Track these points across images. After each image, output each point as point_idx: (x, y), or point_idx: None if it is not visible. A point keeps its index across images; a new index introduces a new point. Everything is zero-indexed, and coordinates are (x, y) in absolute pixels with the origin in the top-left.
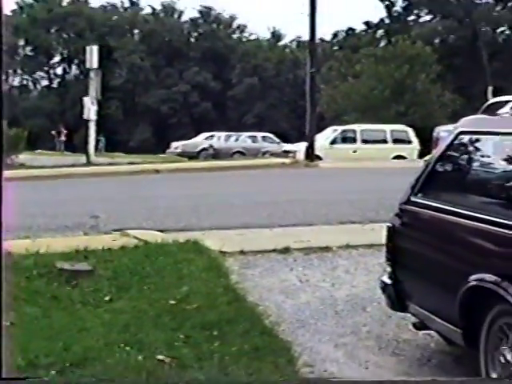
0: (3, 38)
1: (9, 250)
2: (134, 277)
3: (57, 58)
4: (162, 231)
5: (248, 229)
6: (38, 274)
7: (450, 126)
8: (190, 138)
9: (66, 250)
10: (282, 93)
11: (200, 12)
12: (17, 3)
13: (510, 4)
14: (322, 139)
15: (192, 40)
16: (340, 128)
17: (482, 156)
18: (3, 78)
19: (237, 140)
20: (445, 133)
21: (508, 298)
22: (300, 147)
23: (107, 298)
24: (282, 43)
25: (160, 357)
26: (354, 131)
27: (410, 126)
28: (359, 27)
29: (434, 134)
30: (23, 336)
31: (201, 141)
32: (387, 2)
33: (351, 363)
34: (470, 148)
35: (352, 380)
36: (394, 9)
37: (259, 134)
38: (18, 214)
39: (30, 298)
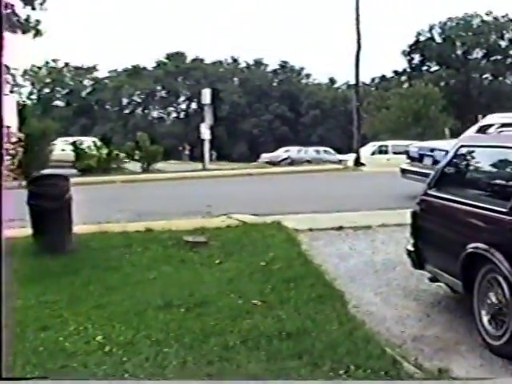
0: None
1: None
2: (236, 246)
3: (182, 98)
4: (255, 215)
5: (314, 213)
6: (171, 244)
7: (418, 143)
8: (273, 151)
9: (189, 228)
10: (337, 120)
11: (280, 65)
12: (156, 61)
13: (491, 59)
14: (365, 151)
15: (274, 84)
16: (377, 144)
17: (476, 162)
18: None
19: (306, 153)
20: (414, 148)
21: (494, 260)
22: (350, 157)
23: (217, 261)
24: (335, 85)
25: (254, 301)
26: (386, 146)
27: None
28: (389, 74)
29: (406, 149)
30: (162, 286)
31: (281, 153)
32: (408, 57)
33: (385, 306)
34: (468, 157)
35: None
36: (413, 61)
37: (321, 149)
38: (157, 204)
39: (166, 261)
